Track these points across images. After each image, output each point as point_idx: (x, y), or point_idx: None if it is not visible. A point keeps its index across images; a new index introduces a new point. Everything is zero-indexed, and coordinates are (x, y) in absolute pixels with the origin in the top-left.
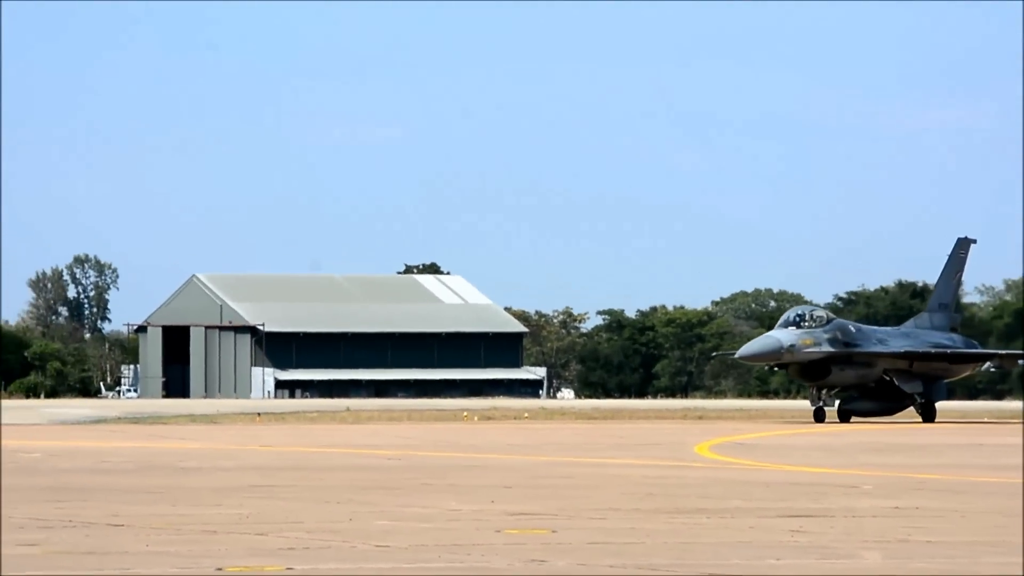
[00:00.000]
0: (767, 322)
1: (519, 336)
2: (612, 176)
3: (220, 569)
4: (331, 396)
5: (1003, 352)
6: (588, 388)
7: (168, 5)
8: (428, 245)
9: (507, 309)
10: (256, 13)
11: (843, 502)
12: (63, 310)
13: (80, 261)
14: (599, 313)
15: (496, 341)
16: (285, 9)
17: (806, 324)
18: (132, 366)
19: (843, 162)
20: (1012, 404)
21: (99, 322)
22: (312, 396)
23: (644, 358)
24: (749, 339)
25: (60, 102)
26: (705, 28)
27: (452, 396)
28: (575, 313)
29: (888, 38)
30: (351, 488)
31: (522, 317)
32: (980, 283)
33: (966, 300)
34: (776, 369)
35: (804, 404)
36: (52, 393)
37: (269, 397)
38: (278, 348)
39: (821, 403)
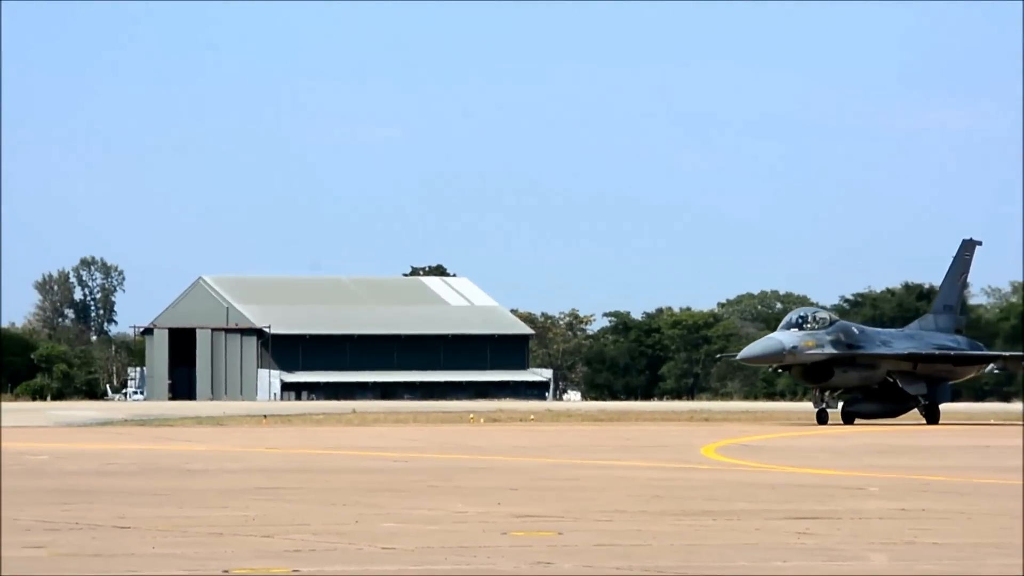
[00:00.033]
0: (773, 324)
1: (525, 338)
2: (618, 177)
3: (226, 571)
4: (337, 398)
5: (1007, 354)
6: (594, 390)
7: (168, 5)
8: (434, 247)
9: (513, 311)
10: (256, 13)
11: (849, 504)
12: (69, 312)
13: (86, 263)
14: (605, 315)
15: (502, 343)
16: (285, 9)
17: (808, 326)
18: (138, 368)
19: (846, 162)
20: (1018, 406)
21: (105, 324)
22: (318, 398)
23: (650, 360)
24: (755, 341)
25: (61, 103)
26: (705, 28)
27: (458, 398)
28: (581, 315)
29: (889, 38)
30: (357, 490)
31: (528, 319)
32: (986, 285)
33: (972, 302)
34: (780, 371)
35: (809, 406)
36: (58, 395)
37: (275, 399)
38: (284, 350)
39: (824, 405)
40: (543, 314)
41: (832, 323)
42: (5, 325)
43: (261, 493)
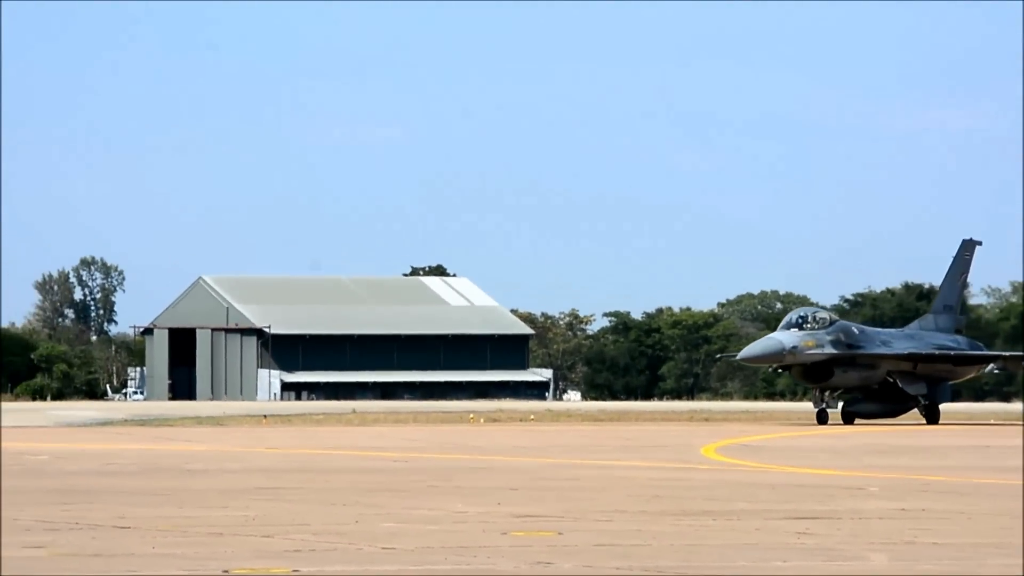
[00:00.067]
0: (773, 324)
1: (525, 338)
2: (618, 177)
3: (226, 571)
4: (337, 398)
5: (1007, 354)
6: (594, 390)
7: (168, 5)
8: (434, 247)
9: (513, 311)
10: (257, 13)
11: (849, 504)
12: (69, 312)
13: (86, 263)
14: (605, 315)
15: (502, 343)
16: (285, 9)
17: (808, 326)
18: (138, 368)
19: (847, 162)
20: (1018, 406)
21: (105, 324)
22: (318, 398)
23: (650, 360)
24: (755, 341)
25: (61, 103)
26: (705, 28)
27: (458, 398)
28: (581, 315)
29: (889, 38)
30: (357, 490)
31: (528, 319)
32: (987, 285)
33: (973, 302)
34: (781, 371)
35: (809, 406)
36: (58, 395)
37: (275, 399)
38: (284, 350)
39: (824, 405)
40: (543, 314)
41: (832, 323)
42: (5, 325)
43: (261, 493)
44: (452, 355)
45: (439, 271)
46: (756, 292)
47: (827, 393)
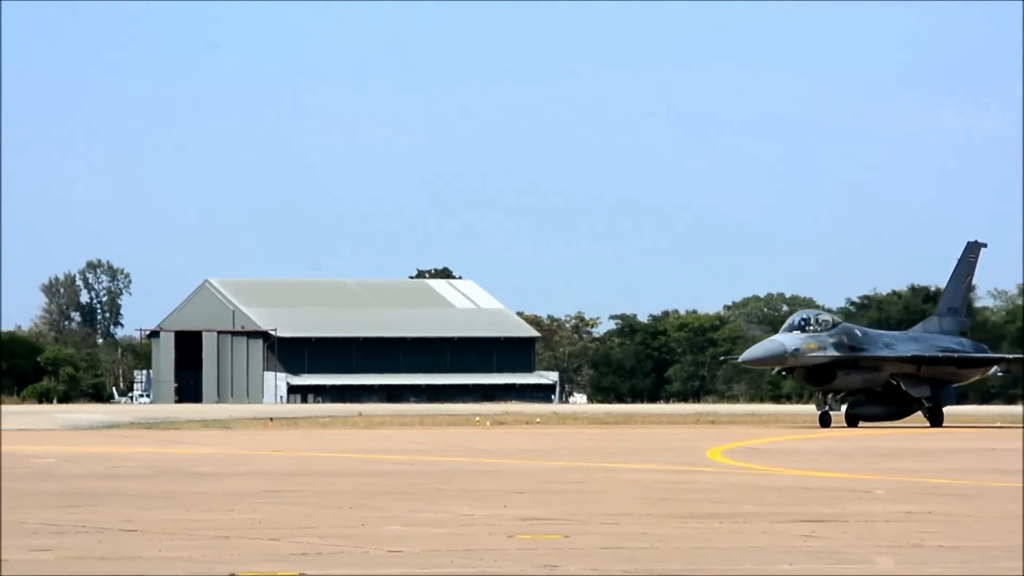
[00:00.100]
0: (779, 326)
1: (531, 341)
2: (624, 179)
3: (233, 574)
4: (343, 401)
5: (1010, 356)
6: (600, 393)
7: (168, 5)
8: (440, 250)
9: (519, 314)
10: (258, 13)
11: (856, 507)
12: (76, 315)
13: (93, 266)
14: (611, 318)
15: (508, 346)
16: (287, 9)
17: (811, 328)
18: (145, 371)
19: (852, 164)
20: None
21: (112, 327)
22: (324, 401)
23: (656, 363)
24: (757, 343)
25: (65, 104)
26: (705, 28)
27: (464, 401)
28: (587, 318)
29: (891, 38)
30: (363, 493)
31: (534, 322)
32: (993, 287)
33: (979, 304)
34: (784, 373)
35: (814, 409)
36: (65, 398)
37: (281, 402)
38: (290, 353)
39: (827, 407)
40: (549, 317)
41: (835, 325)
42: (11, 328)
43: (267, 496)
44: (458, 358)
45: (445, 274)
46: (762, 295)
47: (830, 396)
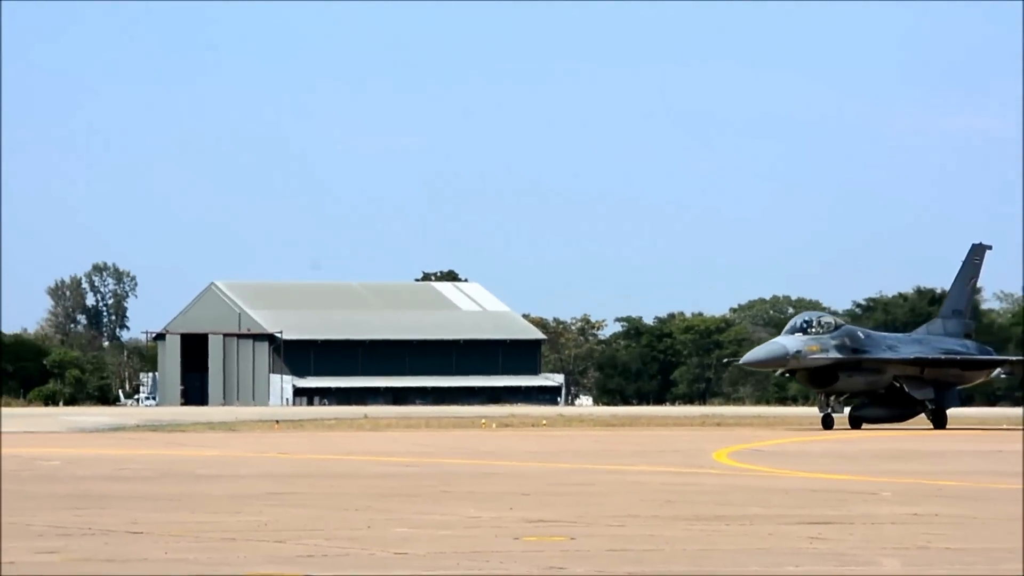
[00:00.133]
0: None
1: (537, 343)
2: (632, 182)
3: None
4: (349, 403)
5: (1014, 358)
6: (606, 395)
7: (168, 5)
8: (446, 252)
9: (525, 316)
10: (260, 13)
11: (862, 508)
12: (82, 318)
13: (99, 269)
14: (617, 320)
15: (514, 348)
16: (289, 9)
17: (813, 330)
18: (151, 374)
19: (859, 166)
20: None
21: (118, 330)
22: (330, 403)
23: (662, 365)
24: (759, 345)
25: (69, 106)
26: (708, 28)
27: (470, 403)
28: (593, 320)
29: (893, 38)
30: (369, 495)
31: (540, 324)
32: (999, 290)
33: (985, 307)
34: (788, 375)
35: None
36: (71, 401)
37: (287, 404)
38: (296, 356)
39: (829, 410)
40: (555, 319)
41: (837, 327)
42: (17, 330)
43: (273, 498)
44: (464, 360)
45: (451, 276)
46: (768, 297)
47: (832, 398)
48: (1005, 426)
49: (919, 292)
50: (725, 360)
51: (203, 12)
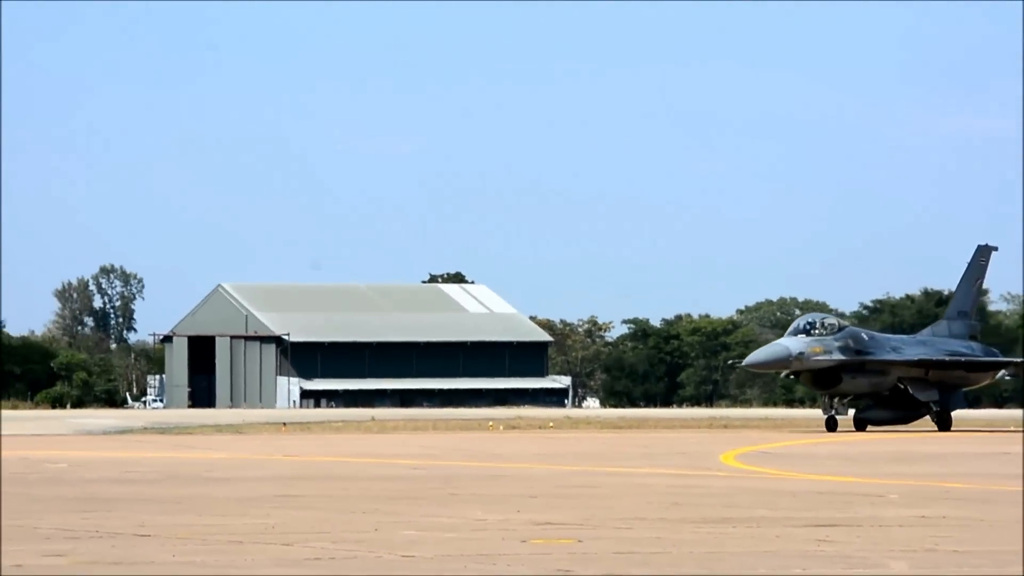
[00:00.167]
0: None
1: (544, 345)
2: (639, 185)
3: None
4: (356, 406)
5: (1018, 360)
6: (613, 397)
7: (168, 5)
8: (453, 254)
9: (532, 318)
10: (260, 13)
11: (869, 511)
12: (89, 320)
13: (106, 271)
14: (624, 322)
15: (521, 350)
16: (290, 9)
17: (816, 332)
18: (158, 376)
19: (866, 168)
20: None
21: (125, 332)
22: (337, 406)
23: (669, 367)
24: (761, 346)
25: (67, 106)
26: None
27: (477, 405)
28: (600, 322)
29: (895, 39)
30: (376, 498)
31: (547, 326)
32: (1006, 291)
33: (992, 308)
34: (793, 377)
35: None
36: (78, 403)
37: (294, 407)
38: (303, 358)
39: (833, 411)
40: (562, 321)
41: (841, 329)
42: (25, 333)
43: (280, 501)
44: (471, 362)
45: (458, 278)
46: (775, 299)
47: (836, 399)
48: (1012, 428)
49: (926, 294)
50: (730, 362)
51: (203, 12)
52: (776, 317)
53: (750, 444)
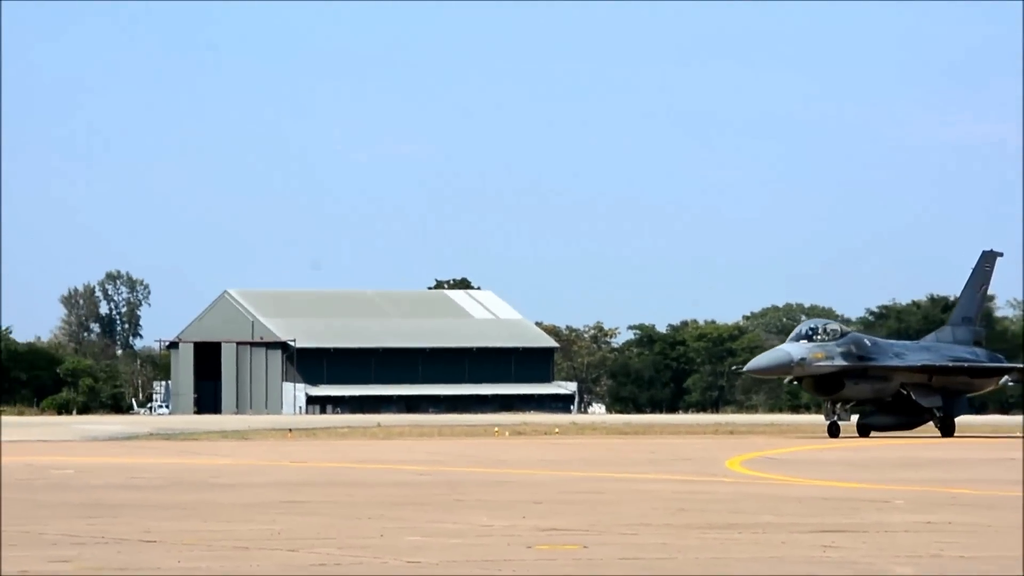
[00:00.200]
0: None
1: (550, 351)
2: (645, 191)
3: None
4: (362, 412)
5: (1022, 366)
6: (619, 403)
7: (168, 5)
8: (458, 260)
9: (538, 324)
10: (261, 13)
11: (875, 517)
12: (95, 326)
13: (112, 277)
14: (630, 328)
15: (527, 356)
16: (291, 9)
17: (819, 337)
18: (164, 382)
19: (873, 174)
20: None
21: (131, 338)
22: (343, 412)
23: (675, 373)
24: (763, 352)
25: (68, 107)
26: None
27: (483, 411)
28: (606, 328)
29: (895, 39)
30: (382, 504)
31: (553, 332)
32: (1012, 297)
33: (999, 314)
34: (796, 382)
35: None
36: (84, 409)
37: (300, 413)
38: (309, 364)
39: (836, 417)
40: (568, 327)
41: (843, 335)
42: (31, 339)
43: (286, 507)
44: (477, 368)
45: (463, 284)
46: (781, 305)
47: (838, 405)
48: (1018, 434)
49: (932, 300)
50: (733, 367)
51: (203, 12)
52: (782, 323)
53: (756, 450)
